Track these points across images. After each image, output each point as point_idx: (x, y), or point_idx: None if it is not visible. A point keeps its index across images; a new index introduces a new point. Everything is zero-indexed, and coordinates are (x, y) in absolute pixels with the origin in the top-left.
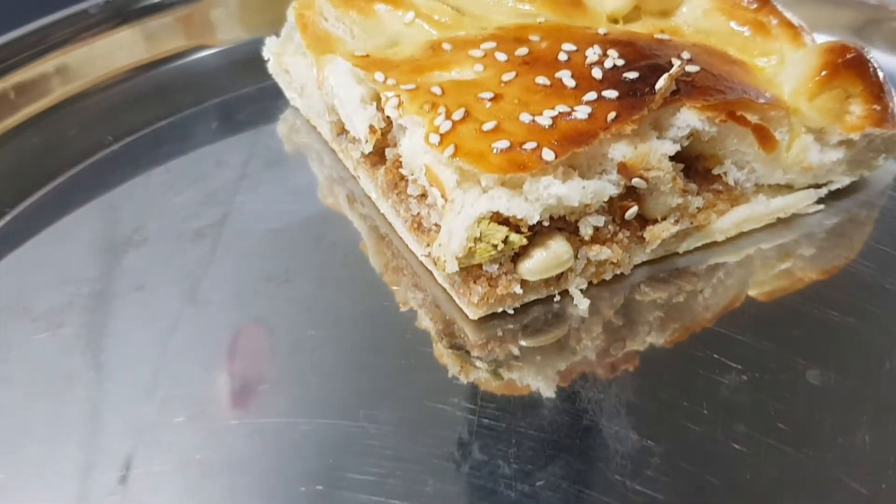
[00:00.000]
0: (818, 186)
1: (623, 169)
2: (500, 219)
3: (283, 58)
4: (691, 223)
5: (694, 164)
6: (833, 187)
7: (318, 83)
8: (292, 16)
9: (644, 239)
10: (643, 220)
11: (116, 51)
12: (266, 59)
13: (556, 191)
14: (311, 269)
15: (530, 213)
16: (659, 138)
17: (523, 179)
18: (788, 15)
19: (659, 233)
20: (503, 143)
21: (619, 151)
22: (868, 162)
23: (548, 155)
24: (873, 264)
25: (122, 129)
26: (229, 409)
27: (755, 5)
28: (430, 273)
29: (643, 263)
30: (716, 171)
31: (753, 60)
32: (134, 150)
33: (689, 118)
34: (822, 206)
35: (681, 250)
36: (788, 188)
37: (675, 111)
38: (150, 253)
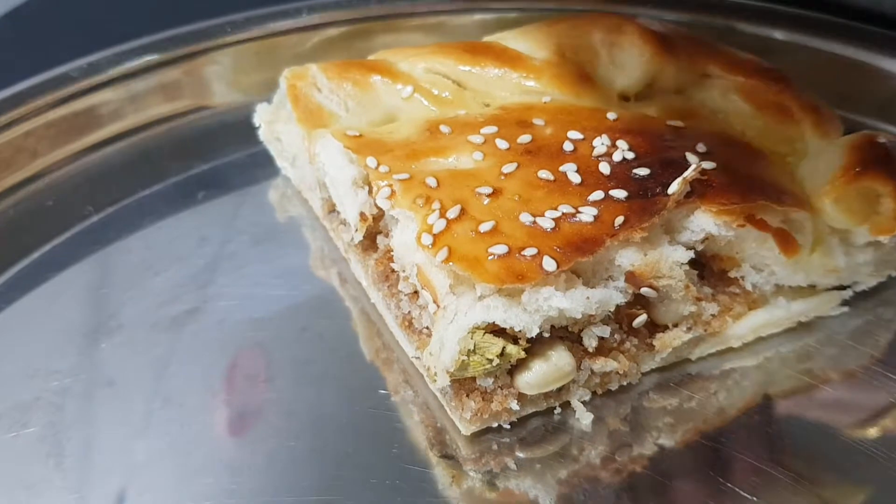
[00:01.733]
0: (842, 287)
1: (631, 277)
2: (495, 328)
3: (274, 125)
4: (705, 330)
5: (708, 263)
6: (858, 289)
7: (309, 158)
8: (284, 85)
9: (653, 347)
10: (653, 326)
11: (100, 115)
12: (257, 125)
13: (557, 303)
14: (294, 365)
15: (529, 326)
16: (671, 243)
17: (522, 289)
18: (811, 96)
19: (670, 341)
20: (501, 249)
21: (628, 258)
22: None
23: (549, 264)
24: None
25: (103, 198)
26: None
27: (777, 86)
28: (421, 374)
29: (652, 371)
30: (732, 275)
31: (774, 147)
32: (115, 221)
33: (704, 222)
34: (846, 308)
35: (693, 357)
36: (810, 289)
37: (689, 213)
38: (123, 343)
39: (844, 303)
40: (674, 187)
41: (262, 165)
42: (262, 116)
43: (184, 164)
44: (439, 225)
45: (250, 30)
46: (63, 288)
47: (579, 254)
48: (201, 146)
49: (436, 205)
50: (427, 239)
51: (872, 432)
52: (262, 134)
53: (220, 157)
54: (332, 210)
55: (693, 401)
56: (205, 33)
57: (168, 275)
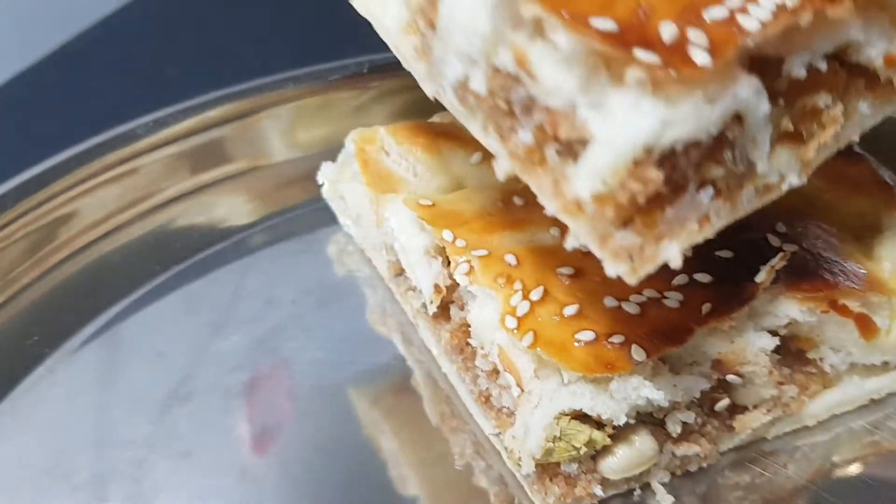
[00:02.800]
0: None
1: (717, 365)
2: (581, 414)
3: (338, 184)
4: (784, 411)
5: (787, 344)
6: None
7: (377, 221)
8: (351, 146)
9: (733, 428)
10: (733, 407)
11: (163, 173)
12: (320, 183)
13: (646, 393)
14: (362, 440)
15: (617, 414)
16: (755, 329)
17: (610, 378)
18: (884, 173)
19: (749, 422)
20: (588, 335)
21: (714, 346)
22: None
23: (638, 354)
24: None
25: (168, 258)
26: None
27: (849, 160)
28: (496, 449)
29: (729, 449)
30: (810, 356)
31: (845, 221)
32: (181, 281)
33: (788, 308)
34: None
35: (770, 436)
36: (884, 366)
37: (773, 298)
38: (196, 411)
39: None
40: (761, 276)
41: (324, 221)
42: (326, 175)
43: (247, 221)
44: (523, 307)
45: (310, 84)
46: (133, 351)
47: (669, 343)
48: (264, 202)
49: (517, 285)
50: (511, 322)
51: None
52: (326, 191)
53: (282, 214)
54: (400, 273)
55: (764, 476)
56: (264, 88)
57: (236, 338)
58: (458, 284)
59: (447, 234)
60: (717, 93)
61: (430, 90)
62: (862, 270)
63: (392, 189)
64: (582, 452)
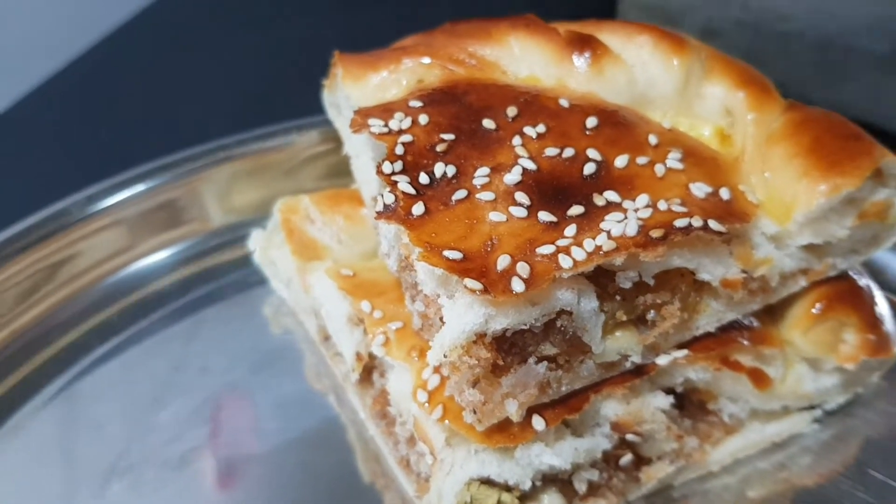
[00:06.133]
0: (812, 406)
1: (616, 426)
2: (490, 480)
3: (269, 251)
4: (686, 461)
5: (688, 396)
6: (827, 407)
7: (303, 289)
8: (277, 216)
9: (639, 479)
10: (638, 460)
11: (95, 246)
12: (252, 250)
13: (548, 459)
14: (296, 494)
15: (522, 479)
16: (651, 390)
17: (515, 446)
18: None
19: (654, 473)
20: None
21: (612, 409)
22: (862, 381)
23: (538, 423)
24: (866, 492)
25: (106, 329)
26: None
27: None
28: None
29: (638, 498)
30: (710, 407)
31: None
32: (119, 352)
33: (681, 369)
34: (816, 425)
35: (676, 483)
36: (784, 411)
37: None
38: (134, 485)
39: (815, 420)
40: (663, 359)
41: (258, 285)
42: (256, 242)
43: (183, 288)
44: (433, 381)
45: (242, 149)
46: (73, 424)
47: (566, 411)
48: (200, 267)
49: (428, 360)
50: (422, 396)
51: None
52: (257, 257)
53: (218, 279)
54: (328, 338)
55: None
56: (199, 156)
57: (173, 409)
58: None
59: (365, 306)
60: (540, 298)
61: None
62: (755, 324)
63: (317, 256)
64: None
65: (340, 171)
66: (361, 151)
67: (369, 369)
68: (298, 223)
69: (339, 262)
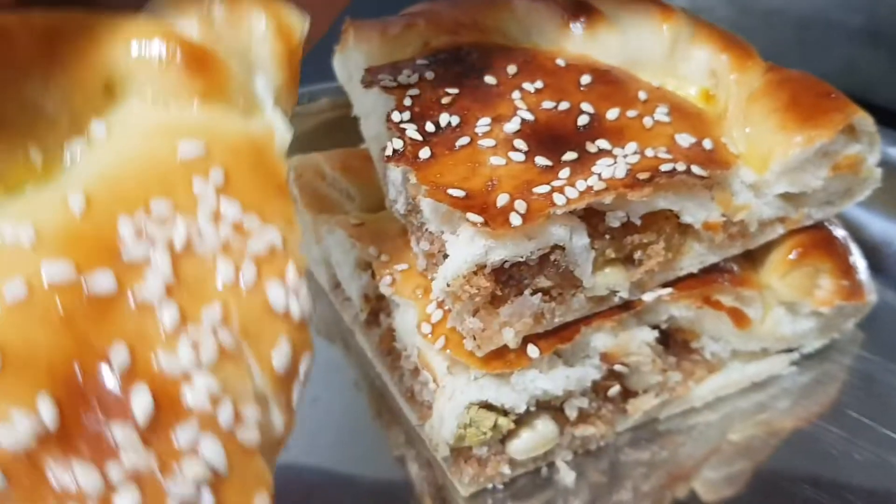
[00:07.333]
0: (791, 350)
1: (605, 357)
2: (488, 404)
3: None
4: (671, 394)
5: (672, 335)
6: (805, 350)
7: (315, 240)
8: (291, 173)
9: (626, 411)
10: (625, 392)
11: None
12: None
13: (542, 384)
14: (305, 429)
15: (518, 404)
16: (638, 324)
17: (511, 372)
18: None
19: (641, 405)
20: None
21: (601, 341)
22: (838, 326)
23: (533, 351)
24: (842, 430)
25: None
26: None
27: None
28: (423, 439)
29: (626, 430)
30: (693, 345)
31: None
32: None
33: (666, 305)
34: (794, 368)
35: (661, 416)
36: (763, 353)
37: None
38: None
39: (794, 363)
40: (649, 296)
41: None
42: None
43: None
44: (436, 315)
45: None
46: None
47: (558, 341)
48: None
49: (433, 295)
50: (426, 328)
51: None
52: None
53: None
54: (337, 286)
55: (664, 452)
56: None
57: None
58: (384, 295)
59: (373, 251)
60: (535, 232)
61: (388, 204)
62: (736, 269)
63: (328, 209)
64: (490, 437)
65: (350, 136)
66: (371, 111)
67: (376, 311)
68: (310, 179)
69: (347, 215)
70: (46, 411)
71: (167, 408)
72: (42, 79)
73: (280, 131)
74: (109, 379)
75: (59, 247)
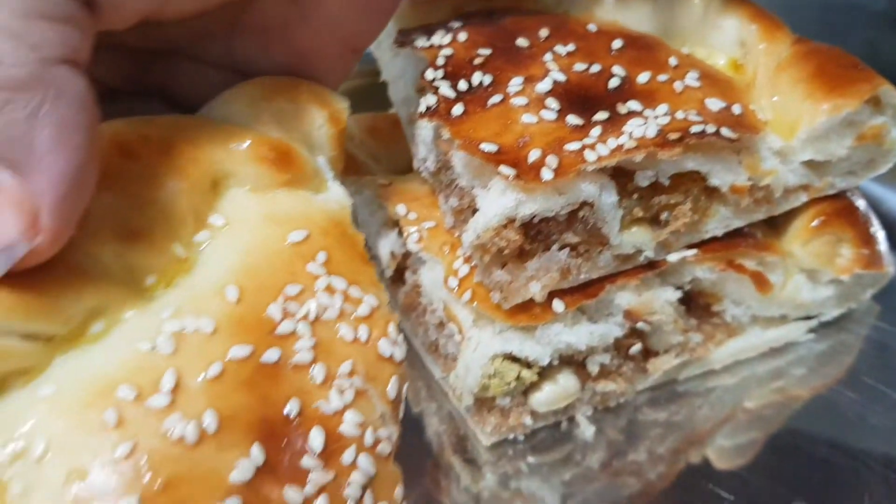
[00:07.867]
0: (809, 317)
1: (628, 315)
2: (512, 356)
3: None
4: (691, 355)
5: (694, 298)
6: (823, 318)
7: None
8: None
9: (647, 370)
10: (646, 352)
11: None
12: None
13: (565, 338)
14: None
15: (541, 356)
16: (661, 284)
17: (535, 326)
18: None
19: (661, 365)
20: None
21: (625, 299)
22: (856, 296)
23: (558, 306)
24: (858, 395)
25: None
26: None
27: None
28: (444, 392)
29: (645, 389)
30: (714, 308)
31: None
32: None
33: (690, 267)
34: (812, 335)
35: (680, 377)
36: (782, 319)
37: (678, 258)
38: None
39: (811, 330)
40: (673, 256)
41: None
42: None
43: None
44: (463, 270)
45: None
46: None
47: (584, 297)
48: None
49: (459, 251)
50: (453, 282)
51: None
52: None
53: None
54: (364, 244)
55: (680, 414)
56: None
57: None
58: (410, 252)
59: (401, 209)
60: (566, 188)
61: (416, 164)
62: (759, 235)
63: (356, 172)
64: (513, 388)
65: (377, 104)
66: (400, 75)
67: (401, 270)
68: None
69: (374, 176)
70: (256, 453)
71: (333, 439)
72: (169, 184)
73: (346, 201)
74: (292, 424)
75: (234, 332)
